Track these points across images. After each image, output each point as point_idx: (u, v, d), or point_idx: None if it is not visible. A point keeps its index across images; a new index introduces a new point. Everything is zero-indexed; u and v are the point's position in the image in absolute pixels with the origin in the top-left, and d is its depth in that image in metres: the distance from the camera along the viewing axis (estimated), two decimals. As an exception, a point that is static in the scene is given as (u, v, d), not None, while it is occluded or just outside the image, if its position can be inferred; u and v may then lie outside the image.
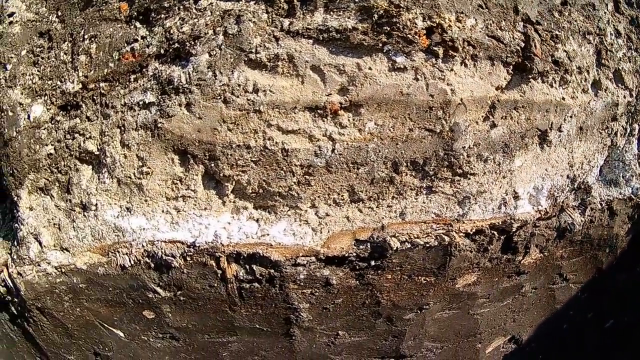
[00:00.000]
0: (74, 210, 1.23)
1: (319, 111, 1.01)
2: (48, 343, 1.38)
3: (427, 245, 1.12)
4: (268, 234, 1.06)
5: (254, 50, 0.99)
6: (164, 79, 1.03)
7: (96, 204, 1.18)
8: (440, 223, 1.12)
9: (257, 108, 1.00)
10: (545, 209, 1.30)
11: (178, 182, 1.08)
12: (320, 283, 1.09)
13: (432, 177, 1.10)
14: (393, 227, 1.08)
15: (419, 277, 1.15)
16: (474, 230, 1.15)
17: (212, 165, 1.04)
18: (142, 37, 1.05)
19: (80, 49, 1.13)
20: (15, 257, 1.32)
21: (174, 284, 1.15)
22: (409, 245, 1.10)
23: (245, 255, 1.06)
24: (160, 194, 1.10)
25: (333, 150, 1.02)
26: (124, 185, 1.14)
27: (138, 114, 1.07)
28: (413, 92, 1.05)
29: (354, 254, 1.06)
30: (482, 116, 1.16)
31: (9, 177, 1.29)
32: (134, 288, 1.20)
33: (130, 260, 1.16)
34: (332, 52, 1.00)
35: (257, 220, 1.08)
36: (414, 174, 1.08)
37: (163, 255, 1.10)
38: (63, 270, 1.26)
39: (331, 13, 0.98)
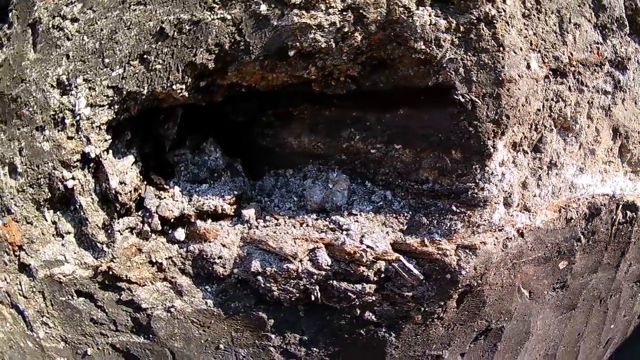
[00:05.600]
0: (541, 169, 1.26)
1: None
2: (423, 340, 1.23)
3: None
4: (636, 189, 1.61)
5: None
6: (616, 78, 1.43)
7: (562, 163, 1.29)
8: None
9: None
10: None
11: (609, 150, 1.45)
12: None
13: None
14: None
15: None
16: None
17: (625, 142, 1.51)
18: (600, 44, 1.40)
19: (567, 30, 1.28)
20: (467, 224, 1.13)
21: (590, 231, 1.42)
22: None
23: (627, 203, 1.56)
24: (601, 158, 1.41)
25: None
26: (582, 149, 1.35)
27: (600, 97, 1.38)
28: None
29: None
30: None
31: (486, 123, 1.12)
32: (566, 239, 1.35)
33: (575, 213, 1.34)
34: None
35: (631, 180, 1.60)
36: None
37: (600, 205, 1.38)
38: (522, 232, 1.24)
39: None
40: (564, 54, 1.31)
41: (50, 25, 1.22)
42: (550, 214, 1.33)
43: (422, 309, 1.18)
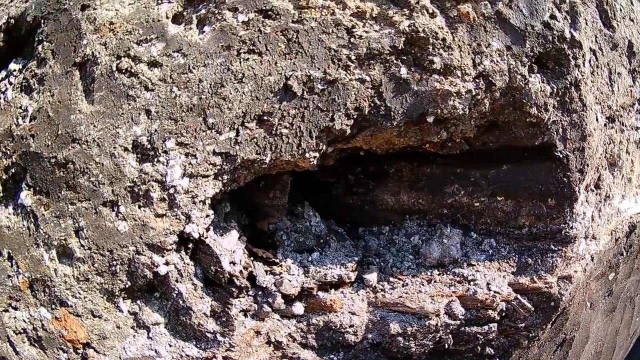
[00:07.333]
0: (601, 202, 1.47)
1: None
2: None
3: None
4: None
5: None
6: (639, 114, 1.69)
7: (613, 195, 1.52)
8: None
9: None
10: None
11: (639, 176, 1.70)
12: None
13: None
14: None
15: None
16: None
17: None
18: (632, 86, 1.64)
19: (614, 80, 1.50)
20: (564, 258, 1.31)
21: (629, 245, 1.69)
22: None
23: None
24: (634, 184, 1.66)
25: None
26: (623, 179, 1.59)
27: (633, 133, 1.63)
28: None
29: None
30: None
31: (575, 172, 1.30)
32: (615, 255, 1.59)
33: (621, 233, 1.58)
34: None
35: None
36: None
37: (636, 223, 1.65)
38: (593, 256, 1.45)
39: None
40: (613, 102, 1.53)
41: (115, 69, 1.00)
42: (606, 237, 1.57)
43: (530, 335, 1.34)
